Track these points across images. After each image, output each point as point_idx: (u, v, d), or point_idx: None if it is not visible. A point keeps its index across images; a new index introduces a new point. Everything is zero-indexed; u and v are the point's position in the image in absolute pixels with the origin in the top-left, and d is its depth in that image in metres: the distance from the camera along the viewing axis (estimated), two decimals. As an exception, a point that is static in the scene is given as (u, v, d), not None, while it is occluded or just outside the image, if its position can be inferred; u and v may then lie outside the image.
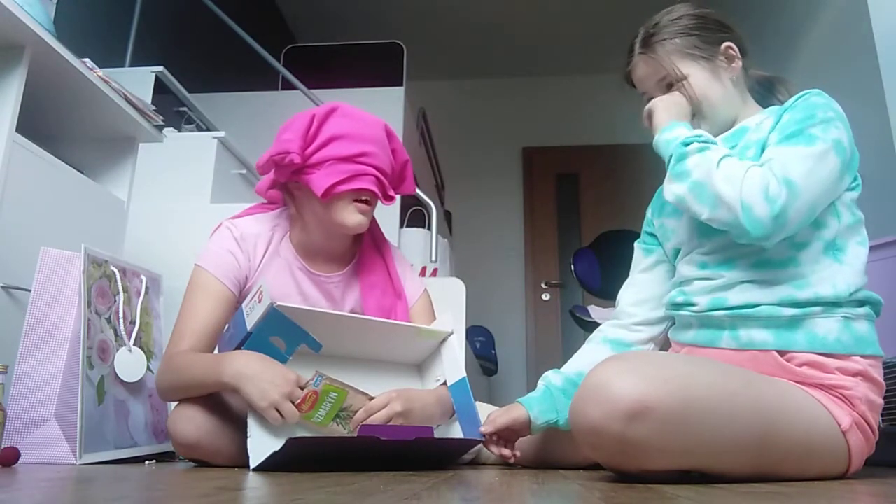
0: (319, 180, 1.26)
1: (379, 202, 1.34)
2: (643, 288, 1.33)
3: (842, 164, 1.05)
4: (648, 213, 1.37)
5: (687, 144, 1.07)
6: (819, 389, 1.01)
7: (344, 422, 1.14)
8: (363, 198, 1.30)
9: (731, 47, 1.21)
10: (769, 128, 1.13)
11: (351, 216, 1.29)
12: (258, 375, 1.07)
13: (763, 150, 1.10)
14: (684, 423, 0.86)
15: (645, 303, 1.32)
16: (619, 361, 0.92)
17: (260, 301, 1.06)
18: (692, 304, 1.15)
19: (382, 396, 1.16)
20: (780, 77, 1.29)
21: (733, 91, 1.21)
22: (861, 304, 1.07)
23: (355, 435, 1.10)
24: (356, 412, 1.14)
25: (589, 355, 1.30)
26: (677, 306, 1.19)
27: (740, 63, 1.21)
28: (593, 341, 1.34)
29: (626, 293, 1.35)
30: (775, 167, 1.01)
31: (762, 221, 0.99)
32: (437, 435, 1.22)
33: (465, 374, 1.27)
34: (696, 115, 1.20)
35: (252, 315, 1.08)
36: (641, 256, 1.36)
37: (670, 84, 1.21)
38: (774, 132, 1.10)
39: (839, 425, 0.99)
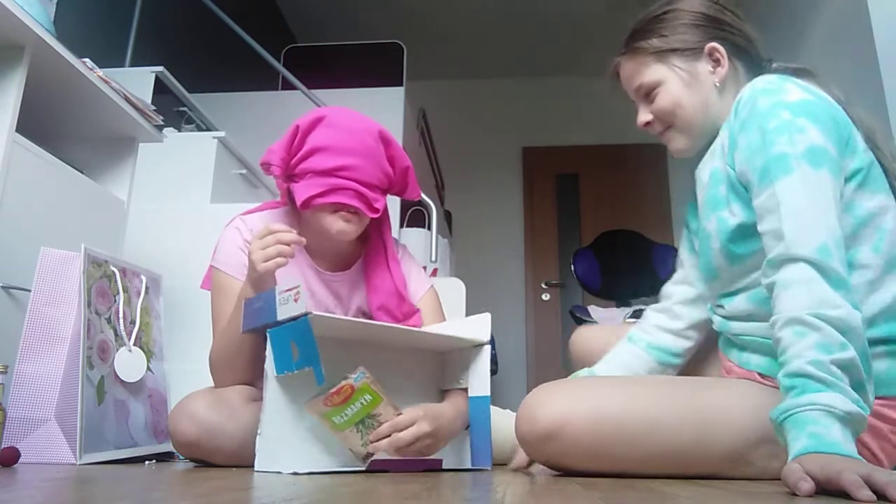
0: (300, 191, 1.27)
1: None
2: (693, 285, 1.23)
3: (830, 168, 0.92)
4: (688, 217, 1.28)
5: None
6: None
7: (366, 430, 1.10)
8: (343, 210, 1.29)
9: (716, 49, 1.10)
10: (727, 150, 1.04)
11: (333, 224, 1.28)
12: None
13: (730, 186, 1.02)
14: (595, 440, 0.97)
15: (694, 303, 1.23)
16: (547, 390, 1.04)
17: (296, 301, 1.04)
18: (712, 322, 1.17)
19: (410, 413, 1.12)
20: (805, 69, 1.12)
21: (715, 99, 1.11)
22: (882, 341, 0.93)
23: (368, 449, 1.09)
24: (381, 424, 1.10)
25: (628, 361, 1.24)
26: (709, 320, 1.19)
27: (725, 69, 1.10)
28: (637, 343, 1.25)
29: (677, 290, 1.25)
30: (790, 252, 0.87)
31: (841, 292, 0.84)
32: (448, 445, 1.21)
33: (489, 392, 1.22)
34: (671, 126, 1.14)
35: (284, 308, 1.06)
36: (688, 251, 1.26)
37: (647, 93, 1.14)
38: (743, 166, 0.99)
39: None
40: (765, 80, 1.01)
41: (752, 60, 1.13)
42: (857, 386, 0.80)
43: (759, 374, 1.04)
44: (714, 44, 1.10)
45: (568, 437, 0.97)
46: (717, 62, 1.11)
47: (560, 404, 0.99)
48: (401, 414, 1.12)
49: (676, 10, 1.13)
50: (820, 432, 0.75)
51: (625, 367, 1.23)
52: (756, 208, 0.96)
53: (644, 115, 1.16)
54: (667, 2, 1.15)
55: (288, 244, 1.16)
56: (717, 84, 1.10)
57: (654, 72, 1.12)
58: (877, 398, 0.92)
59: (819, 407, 0.76)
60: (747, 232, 1.01)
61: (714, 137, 1.12)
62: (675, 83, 1.11)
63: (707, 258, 1.11)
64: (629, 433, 0.97)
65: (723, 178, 1.05)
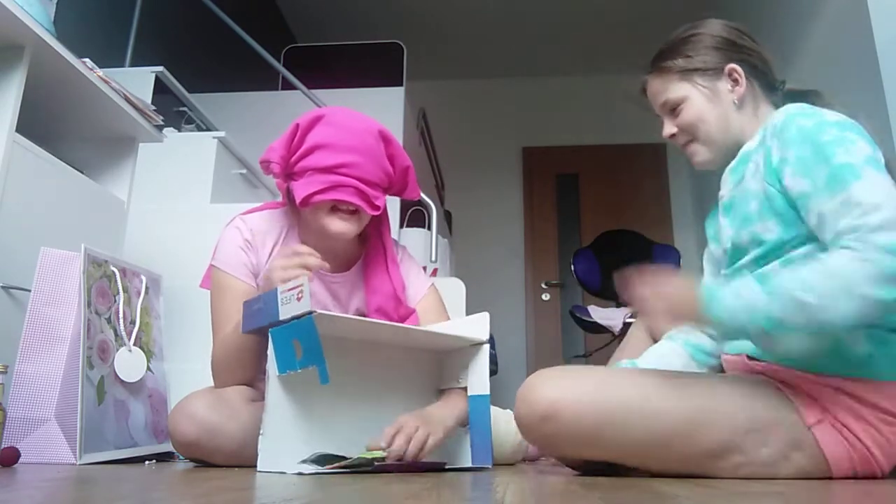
0: (300, 189, 1.27)
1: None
2: None
3: (885, 171, 0.99)
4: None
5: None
6: (787, 386, 1.05)
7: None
8: (343, 207, 1.28)
9: (735, 70, 1.18)
10: (762, 170, 1.09)
11: (332, 224, 1.29)
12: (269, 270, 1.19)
13: (766, 202, 1.07)
14: (589, 424, 1.00)
15: None
16: (546, 373, 1.08)
17: (299, 300, 1.04)
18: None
19: (397, 421, 1.13)
20: (814, 91, 1.21)
21: (735, 115, 1.18)
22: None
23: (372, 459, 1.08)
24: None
25: (665, 354, 1.30)
26: None
27: (743, 88, 1.18)
28: (675, 340, 1.31)
29: None
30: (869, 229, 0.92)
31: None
32: (448, 444, 1.21)
33: (489, 391, 1.23)
34: (694, 139, 1.20)
35: (287, 307, 1.06)
36: (708, 260, 1.32)
37: (672, 108, 1.21)
38: (795, 178, 1.03)
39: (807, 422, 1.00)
40: (797, 106, 1.08)
41: (767, 81, 1.21)
42: (784, 323, 0.93)
43: (748, 357, 1.11)
44: (733, 65, 1.18)
45: (561, 419, 1.00)
46: (735, 82, 1.18)
47: (554, 388, 1.03)
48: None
49: (700, 33, 1.22)
50: (712, 286, 0.96)
51: (661, 359, 1.28)
52: (821, 214, 0.99)
53: (669, 128, 1.24)
54: (691, 26, 1.24)
55: (310, 268, 1.16)
56: (736, 101, 1.18)
57: (678, 89, 1.20)
58: (847, 377, 1.00)
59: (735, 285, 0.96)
60: (784, 248, 1.06)
61: (734, 153, 1.19)
62: (699, 99, 1.19)
63: (735, 268, 1.16)
64: (620, 418, 1.00)
65: (755, 196, 1.10)
